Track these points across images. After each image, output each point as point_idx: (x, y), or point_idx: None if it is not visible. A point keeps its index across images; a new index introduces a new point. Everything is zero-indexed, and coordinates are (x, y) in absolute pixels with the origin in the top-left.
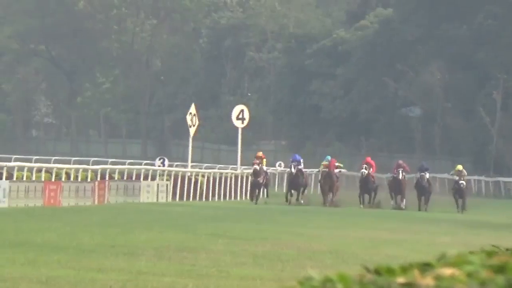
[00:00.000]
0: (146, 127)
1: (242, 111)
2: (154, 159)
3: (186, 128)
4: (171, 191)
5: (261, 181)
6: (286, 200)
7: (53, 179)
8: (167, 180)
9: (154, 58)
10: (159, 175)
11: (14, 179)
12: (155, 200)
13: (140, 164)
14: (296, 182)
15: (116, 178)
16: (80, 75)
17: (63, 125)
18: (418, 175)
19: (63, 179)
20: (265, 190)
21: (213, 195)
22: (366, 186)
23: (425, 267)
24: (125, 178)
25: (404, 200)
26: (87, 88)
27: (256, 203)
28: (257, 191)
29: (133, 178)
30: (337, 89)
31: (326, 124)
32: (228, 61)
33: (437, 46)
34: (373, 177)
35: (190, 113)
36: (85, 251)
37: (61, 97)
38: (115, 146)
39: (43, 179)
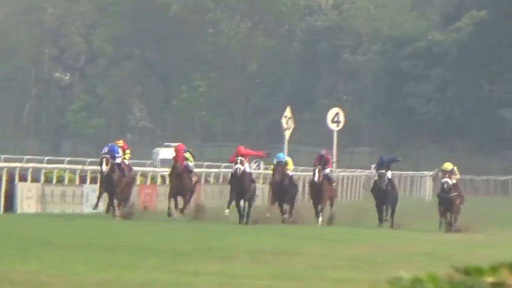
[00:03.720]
0: (241, 130)
1: (337, 114)
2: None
3: (281, 131)
4: (268, 194)
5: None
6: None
7: (148, 183)
8: (263, 183)
9: (249, 61)
10: (255, 179)
11: None
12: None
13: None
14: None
15: (211, 182)
16: (174, 79)
17: (158, 129)
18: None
19: (158, 182)
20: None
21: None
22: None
23: None
24: (220, 181)
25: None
26: (182, 92)
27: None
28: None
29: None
30: (432, 91)
31: (421, 126)
32: (323, 63)
33: None
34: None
35: (285, 116)
36: (181, 255)
37: (156, 100)
38: (211, 149)
39: (137, 183)
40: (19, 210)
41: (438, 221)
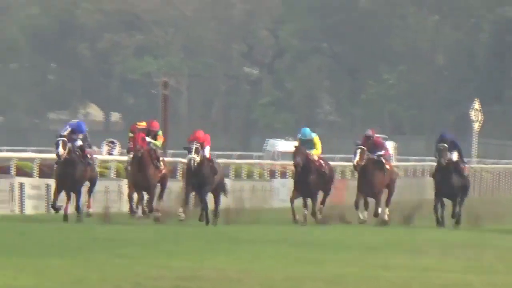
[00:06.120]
0: (429, 122)
1: None
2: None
3: (469, 123)
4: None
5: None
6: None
7: (339, 177)
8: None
9: (437, 54)
10: None
11: None
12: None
13: (424, 160)
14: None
15: (400, 175)
16: (362, 72)
17: (347, 123)
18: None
19: (348, 177)
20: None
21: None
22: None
23: None
24: (411, 174)
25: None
26: (371, 85)
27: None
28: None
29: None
30: None
31: None
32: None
33: None
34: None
35: (474, 108)
36: (370, 249)
37: (344, 94)
38: (399, 143)
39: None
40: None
41: None
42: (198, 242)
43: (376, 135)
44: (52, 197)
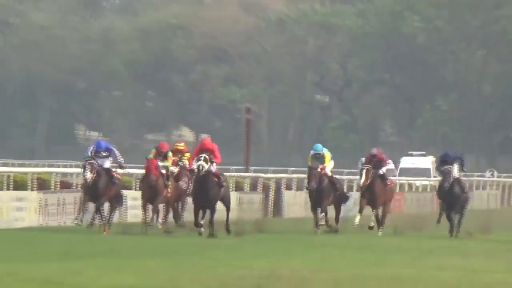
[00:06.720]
0: (478, 143)
1: None
2: (484, 171)
3: None
4: (500, 198)
5: (184, 187)
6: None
7: (397, 190)
8: (496, 189)
9: (484, 84)
10: (489, 185)
11: None
12: (485, 207)
13: (472, 176)
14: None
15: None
16: (419, 100)
17: (405, 143)
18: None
19: (406, 190)
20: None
21: None
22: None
23: None
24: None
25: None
26: (426, 111)
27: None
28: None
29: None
30: None
31: None
32: None
33: None
34: None
35: None
36: (424, 253)
37: (403, 119)
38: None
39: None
40: (285, 215)
41: None
42: (275, 245)
43: (379, 152)
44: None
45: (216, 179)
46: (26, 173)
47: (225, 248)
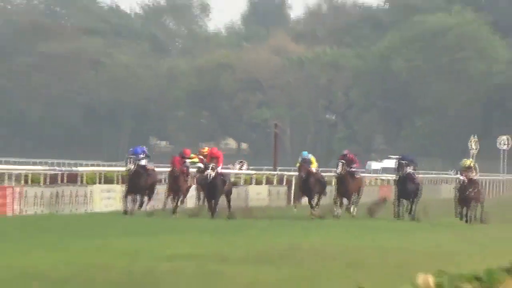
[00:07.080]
0: (445, 149)
1: None
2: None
3: None
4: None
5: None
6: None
7: (386, 184)
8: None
9: (450, 109)
10: (454, 181)
11: None
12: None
13: (439, 174)
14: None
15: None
16: (403, 119)
17: (393, 150)
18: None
19: (391, 184)
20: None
21: None
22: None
23: None
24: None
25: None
26: (408, 127)
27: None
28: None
29: None
30: None
31: None
32: None
33: None
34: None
35: None
36: (404, 231)
37: (392, 133)
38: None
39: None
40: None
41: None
42: (298, 224)
43: (349, 153)
44: (123, 200)
45: (221, 177)
46: (112, 172)
47: (259, 228)
